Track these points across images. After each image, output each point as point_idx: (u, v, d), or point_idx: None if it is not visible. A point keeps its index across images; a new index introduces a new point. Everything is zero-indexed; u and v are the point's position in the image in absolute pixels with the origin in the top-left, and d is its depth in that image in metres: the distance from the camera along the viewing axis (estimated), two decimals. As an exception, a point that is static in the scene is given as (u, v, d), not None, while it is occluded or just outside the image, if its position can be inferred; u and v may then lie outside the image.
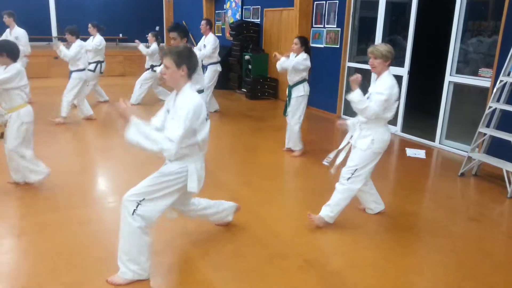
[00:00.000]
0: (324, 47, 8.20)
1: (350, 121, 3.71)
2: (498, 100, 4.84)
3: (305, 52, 5.24)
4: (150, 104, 8.34)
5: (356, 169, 3.49)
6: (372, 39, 7.23)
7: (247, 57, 9.82)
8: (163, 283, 2.85)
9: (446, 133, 6.13)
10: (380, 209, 3.88)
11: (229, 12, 11.58)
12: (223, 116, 8.19)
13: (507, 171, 4.57)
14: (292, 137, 5.52)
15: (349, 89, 3.56)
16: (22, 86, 3.92)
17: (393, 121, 6.81)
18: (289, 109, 5.41)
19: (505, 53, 4.85)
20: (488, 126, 4.91)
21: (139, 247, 2.70)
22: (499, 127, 4.87)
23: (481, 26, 6.03)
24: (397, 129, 6.82)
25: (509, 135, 4.63)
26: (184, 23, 14.67)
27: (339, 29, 7.78)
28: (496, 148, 4.91)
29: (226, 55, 10.16)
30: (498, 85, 4.80)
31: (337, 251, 3.27)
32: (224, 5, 11.84)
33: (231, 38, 10.41)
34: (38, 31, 13.28)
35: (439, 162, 5.67)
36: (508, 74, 4.78)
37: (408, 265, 3.12)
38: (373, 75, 4.05)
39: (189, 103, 2.60)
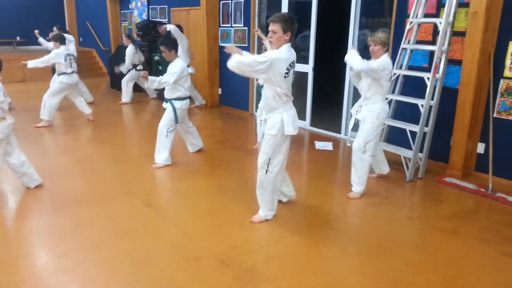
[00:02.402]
0: (233, 46, 8.27)
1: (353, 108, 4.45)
2: (393, 92, 5.21)
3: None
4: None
5: (368, 142, 4.17)
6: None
7: (156, 58, 9.60)
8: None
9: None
10: (388, 170, 4.77)
11: (135, 12, 11.26)
12: (138, 120, 7.99)
13: (405, 157, 4.95)
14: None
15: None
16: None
17: (301, 116, 7.07)
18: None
19: (397, 47, 5.24)
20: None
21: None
22: (395, 116, 5.26)
23: (379, 22, 6.45)
24: (306, 123, 7.09)
25: (404, 124, 5.00)
26: (88, 24, 14.02)
27: (246, 28, 7.90)
28: (395, 136, 5.29)
29: (134, 56, 9.87)
30: (392, 77, 5.16)
31: (252, 248, 3.32)
32: (130, 5, 11.48)
33: (139, 39, 10.13)
34: None
35: (346, 153, 5.97)
36: (401, 67, 5.16)
37: (320, 253, 3.25)
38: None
39: (272, 54, 3.31)
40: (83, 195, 4.25)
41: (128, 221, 3.66)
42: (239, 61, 3.27)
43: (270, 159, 3.53)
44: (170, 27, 7.68)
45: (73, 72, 6.91)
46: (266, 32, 7.67)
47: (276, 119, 3.47)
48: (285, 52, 3.34)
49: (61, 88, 6.88)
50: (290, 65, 3.37)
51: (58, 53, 6.72)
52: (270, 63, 3.26)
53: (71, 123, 7.33)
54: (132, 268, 2.97)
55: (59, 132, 6.75)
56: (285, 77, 3.35)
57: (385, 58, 4.05)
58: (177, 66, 4.91)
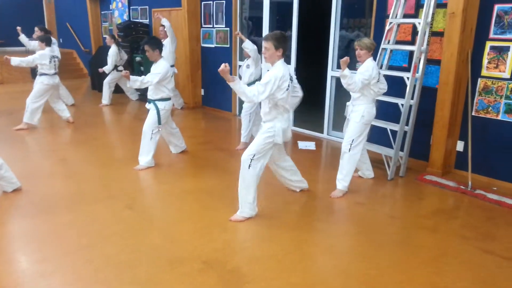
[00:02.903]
0: (215, 47, 8.26)
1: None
2: (374, 92, 5.25)
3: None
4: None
5: (353, 139, 4.25)
6: (260, 39, 7.43)
7: (138, 58, 9.52)
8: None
9: (333, 124, 6.54)
10: (371, 176, 4.83)
11: (116, 13, 11.15)
12: (119, 122, 7.91)
13: (386, 156, 5.01)
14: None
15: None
16: None
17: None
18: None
19: (377, 47, 5.27)
20: (367, 115, 5.32)
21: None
22: (376, 116, 5.27)
23: (360, 23, 6.51)
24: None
25: (385, 123, 5.06)
26: (68, 25, 13.82)
27: (228, 28, 7.89)
28: (376, 135, 5.34)
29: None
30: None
31: (236, 248, 3.33)
32: (110, 6, 11.36)
33: (120, 40, 10.01)
34: None
35: (328, 152, 6.03)
36: (381, 67, 5.22)
37: (304, 253, 3.27)
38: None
39: (274, 73, 3.41)
40: (64, 198, 4.19)
41: (110, 224, 3.63)
42: (250, 99, 3.46)
43: (254, 155, 3.60)
44: (166, 23, 7.67)
45: (55, 73, 6.81)
46: (248, 33, 7.69)
47: (269, 125, 3.63)
48: (281, 69, 3.47)
49: (43, 89, 6.77)
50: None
51: (43, 54, 6.62)
52: (272, 89, 3.42)
53: (52, 125, 7.22)
54: (115, 272, 2.94)
55: (39, 134, 6.64)
56: (287, 89, 3.51)
57: (370, 63, 4.21)
58: (161, 67, 4.88)
